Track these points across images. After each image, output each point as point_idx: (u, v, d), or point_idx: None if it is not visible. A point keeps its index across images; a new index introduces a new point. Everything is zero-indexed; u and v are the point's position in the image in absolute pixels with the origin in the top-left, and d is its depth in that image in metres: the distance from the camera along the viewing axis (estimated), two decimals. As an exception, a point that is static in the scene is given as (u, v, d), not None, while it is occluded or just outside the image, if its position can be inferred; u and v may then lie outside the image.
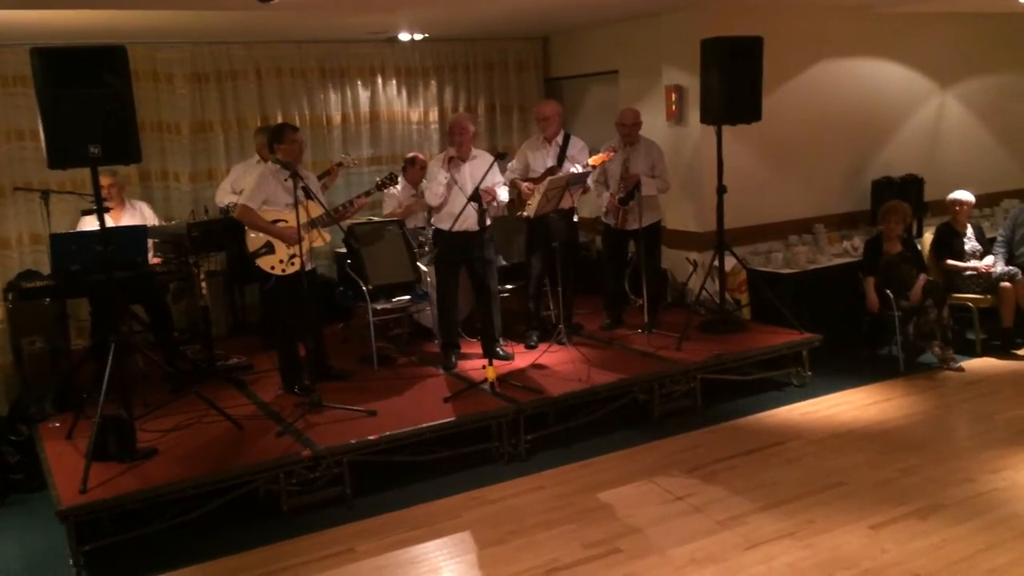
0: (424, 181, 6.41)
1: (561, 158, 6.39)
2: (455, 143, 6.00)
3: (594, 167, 6.33)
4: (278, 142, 5.48)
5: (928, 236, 7.32)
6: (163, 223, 6.42)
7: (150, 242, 5.82)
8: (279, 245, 5.47)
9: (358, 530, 4.53)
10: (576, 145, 6.49)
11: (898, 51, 8.10)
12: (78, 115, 4.37)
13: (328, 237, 5.74)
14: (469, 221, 5.78)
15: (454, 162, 5.98)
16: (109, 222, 5.19)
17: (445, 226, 5.92)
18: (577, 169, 6.18)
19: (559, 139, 6.44)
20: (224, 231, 6.02)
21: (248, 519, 4.66)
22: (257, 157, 6.75)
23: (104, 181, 5.73)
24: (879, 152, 8.15)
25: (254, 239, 5.48)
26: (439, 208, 6.02)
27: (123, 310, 5.56)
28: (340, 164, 7.10)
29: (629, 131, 6.56)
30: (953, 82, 8.54)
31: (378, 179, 6.25)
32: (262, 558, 4.29)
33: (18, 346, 6.10)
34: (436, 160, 6.21)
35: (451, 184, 5.93)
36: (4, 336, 6.10)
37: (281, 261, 5.49)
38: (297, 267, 5.47)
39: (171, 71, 7.27)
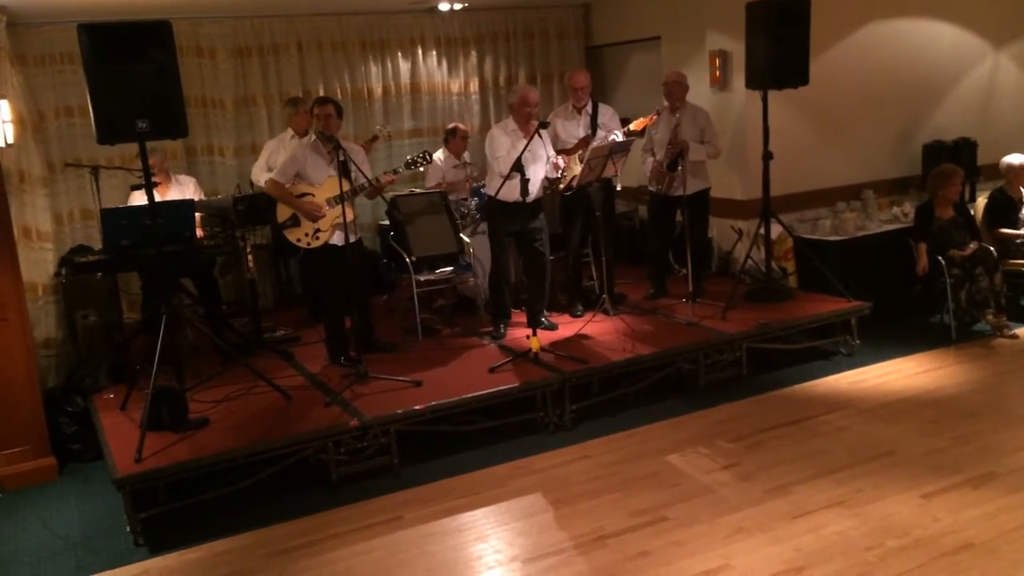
0: (489, 149, 5.91)
1: (594, 127, 6.29)
2: (533, 114, 5.76)
3: (636, 131, 6.23)
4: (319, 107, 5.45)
5: (981, 201, 7.13)
6: (208, 197, 6.47)
7: (197, 216, 5.89)
8: (303, 218, 5.51)
9: (405, 498, 4.58)
10: (606, 112, 6.40)
11: (949, 10, 7.86)
12: (125, 90, 4.41)
13: (356, 213, 5.65)
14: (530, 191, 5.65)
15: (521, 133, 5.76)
16: (157, 197, 5.24)
17: (508, 197, 5.65)
18: (617, 136, 6.09)
19: (588, 108, 6.33)
20: (269, 205, 6.04)
21: (298, 488, 4.74)
22: (291, 132, 6.74)
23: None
24: (930, 115, 7.95)
25: (282, 210, 5.54)
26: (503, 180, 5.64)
27: (173, 284, 5.65)
28: (375, 138, 7.07)
29: (670, 89, 6.43)
30: (1007, 41, 8.27)
31: (408, 158, 6.04)
32: (312, 525, 4.37)
33: (72, 320, 6.23)
34: (502, 129, 5.89)
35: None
36: (59, 310, 6.23)
37: (306, 234, 5.53)
38: (323, 241, 5.50)
39: (214, 46, 7.32)
